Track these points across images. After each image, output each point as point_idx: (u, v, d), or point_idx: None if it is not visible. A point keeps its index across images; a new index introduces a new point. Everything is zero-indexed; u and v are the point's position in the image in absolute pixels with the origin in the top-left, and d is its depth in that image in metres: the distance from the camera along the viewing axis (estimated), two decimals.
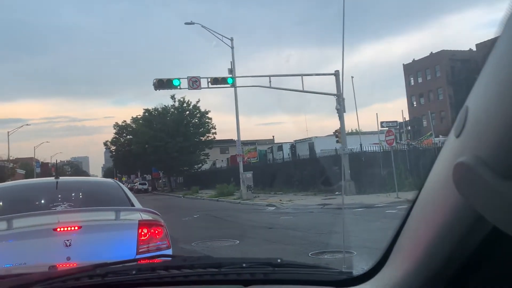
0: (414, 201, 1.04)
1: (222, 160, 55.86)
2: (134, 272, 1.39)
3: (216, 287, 1.38)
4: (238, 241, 10.71)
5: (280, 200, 23.29)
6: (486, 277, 0.97)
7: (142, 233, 3.86)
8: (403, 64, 70.23)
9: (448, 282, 0.99)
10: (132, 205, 4.56)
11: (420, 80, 66.81)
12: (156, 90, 23.38)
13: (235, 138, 30.71)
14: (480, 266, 0.95)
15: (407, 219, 1.07)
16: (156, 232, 3.97)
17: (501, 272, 0.95)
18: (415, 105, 67.35)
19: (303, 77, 24.00)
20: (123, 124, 67.29)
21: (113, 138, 69.01)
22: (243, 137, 32.67)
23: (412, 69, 67.71)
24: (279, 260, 1.46)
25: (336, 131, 25.25)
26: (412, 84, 68.14)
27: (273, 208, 20.52)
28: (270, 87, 23.94)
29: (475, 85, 0.74)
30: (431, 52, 64.84)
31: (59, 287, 1.33)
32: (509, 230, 0.68)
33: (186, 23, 28.59)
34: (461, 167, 0.73)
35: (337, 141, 24.64)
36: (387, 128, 23.16)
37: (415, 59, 67.62)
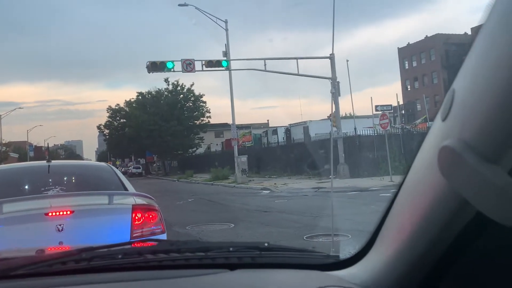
0: (400, 185, 1.03)
1: (217, 144, 55.83)
2: (120, 256, 1.38)
3: (203, 271, 1.36)
4: (233, 225, 10.72)
5: (275, 183, 23.35)
6: (469, 261, 0.96)
7: (136, 217, 3.81)
8: (398, 47, 69.99)
9: (433, 267, 0.99)
10: (126, 189, 4.50)
11: (414, 64, 66.65)
12: (149, 72, 23.17)
13: (230, 122, 30.61)
14: (464, 252, 0.95)
15: (393, 203, 1.07)
16: (150, 216, 3.92)
17: (483, 258, 0.95)
18: (409, 89, 67.31)
19: (298, 60, 23.85)
20: (116, 107, 66.87)
21: (106, 121, 68.63)
22: (238, 121, 32.60)
23: (406, 53, 67.47)
24: (266, 244, 1.46)
25: (330, 114, 25.21)
26: (407, 68, 67.98)
27: (268, 191, 20.57)
28: (265, 71, 23.79)
29: (462, 67, 0.73)
30: (426, 36, 64.58)
31: (44, 271, 1.30)
32: (492, 215, 0.68)
33: (179, 5, 28.17)
34: (446, 150, 0.72)
35: (332, 125, 24.61)
36: (381, 112, 23.11)
37: (410, 43, 67.37)
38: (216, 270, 1.36)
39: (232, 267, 1.36)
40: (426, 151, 0.88)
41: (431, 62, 63.01)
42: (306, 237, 8.42)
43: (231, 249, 1.44)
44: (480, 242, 0.92)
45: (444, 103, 0.77)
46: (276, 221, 11.09)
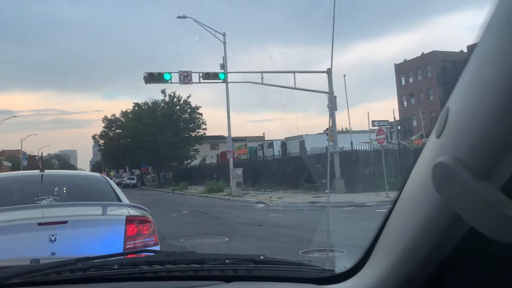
0: (396, 200, 1.05)
1: (212, 156, 55.76)
2: (116, 267, 1.37)
3: (199, 283, 1.37)
4: (227, 238, 10.64)
5: (270, 197, 23.27)
6: (463, 275, 0.98)
7: (130, 229, 3.77)
8: (395, 63, 70.66)
9: (427, 280, 1.00)
10: (120, 200, 4.47)
11: (411, 80, 67.23)
12: (146, 84, 23.18)
13: (226, 134, 30.62)
14: (458, 265, 0.96)
15: (389, 217, 1.08)
16: (144, 228, 3.89)
17: (477, 271, 0.96)
18: (405, 105, 67.77)
19: (296, 74, 23.96)
20: (112, 118, 66.80)
21: (102, 132, 68.49)
22: (234, 134, 32.56)
23: (403, 69, 68.09)
24: (262, 257, 1.46)
25: (327, 129, 25.27)
26: (403, 84, 68.55)
27: (263, 205, 20.48)
28: (262, 84, 23.87)
29: (456, 86, 0.75)
30: (423, 53, 65.27)
31: (40, 280, 1.31)
32: (485, 230, 0.69)
33: (178, 17, 28.38)
34: (440, 167, 0.74)
35: (328, 139, 24.65)
36: (378, 127, 23.20)
37: (407, 59, 68.02)
38: (212, 282, 1.35)
39: (227, 279, 1.36)
40: (421, 167, 0.90)
41: (428, 78, 63.58)
42: (301, 252, 8.35)
43: (226, 261, 1.44)
44: (474, 255, 0.94)
45: (438, 121, 0.79)
46: (271, 235, 11.02)
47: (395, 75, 70.17)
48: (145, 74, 22.93)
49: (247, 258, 1.47)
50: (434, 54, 62.75)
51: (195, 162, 57.08)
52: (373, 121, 25.57)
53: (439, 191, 0.76)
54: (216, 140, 64.18)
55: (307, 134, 37.37)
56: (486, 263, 0.93)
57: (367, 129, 28.48)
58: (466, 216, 0.72)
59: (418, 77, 65.61)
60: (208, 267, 1.39)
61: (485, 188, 0.68)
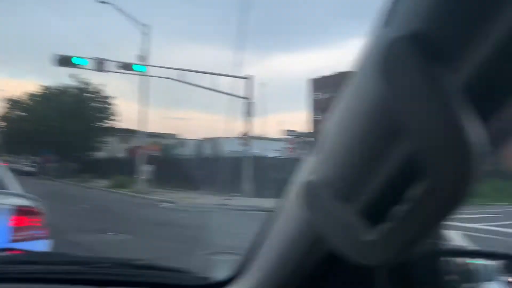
0: (273, 211, 1.06)
1: (122, 150, 53.70)
2: None
3: (70, 287, 1.29)
4: (128, 236, 10.33)
5: (179, 196, 22.98)
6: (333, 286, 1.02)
7: (17, 220, 3.52)
8: (310, 78, 73.66)
9: None
10: (9, 188, 4.13)
11: (325, 95, 70.63)
12: (58, 66, 21.78)
13: (138, 128, 29.71)
14: (327, 277, 1.00)
15: (265, 228, 1.09)
16: (34, 220, 3.66)
17: (345, 285, 1.01)
18: (317, 118, 71.04)
19: (216, 76, 24.05)
20: (15, 99, 61.60)
21: (6, 113, 62.76)
22: (148, 129, 31.72)
23: (318, 84, 71.24)
24: (140, 262, 1.45)
25: (241, 133, 25.64)
26: (318, 98, 71.79)
27: (170, 204, 20.17)
28: (181, 81, 23.59)
29: (335, 107, 0.78)
30: (337, 71, 68.90)
31: None
32: (341, 250, 0.71)
33: (99, 1, 27.01)
34: (308, 185, 0.76)
35: (242, 144, 25.01)
36: (290, 137, 24.05)
37: (322, 75, 71.35)
38: (83, 287, 1.29)
39: (101, 284, 1.31)
40: (296, 183, 0.90)
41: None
42: (199, 254, 8.34)
43: (103, 265, 1.38)
44: (340, 270, 0.97)
45: (318, 140, 0.81)
46: (174, 235, 10.89)
47: (311, 89, 73.26)
48: (58, 57, 21.54)
49: (125, 262, 1.44)
50: (347, 74, 66.52)
51: (103, 154, 54.60)
52: (285, 130, 26.47)
53: (306, 209, 0.78)
54: (128, 134, 61.85)
55: (222, 137, 37.58)
56: (351, 276, 0.97)
57: (280, 137, 29.37)
58: (326, 236, 0.74)
59: (331, 93, 69.17)
60: (82, 270, 1.33)
61: (342, 210, 0.70)
